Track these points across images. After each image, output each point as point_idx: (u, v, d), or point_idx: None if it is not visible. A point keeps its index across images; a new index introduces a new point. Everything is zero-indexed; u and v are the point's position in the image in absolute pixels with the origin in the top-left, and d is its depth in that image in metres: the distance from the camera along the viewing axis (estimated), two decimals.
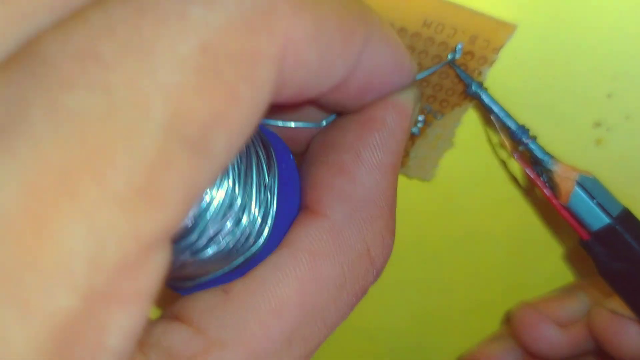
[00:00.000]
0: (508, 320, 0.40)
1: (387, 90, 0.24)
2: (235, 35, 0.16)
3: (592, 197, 0.29)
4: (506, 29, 0.28)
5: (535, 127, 0.29)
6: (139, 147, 0.14)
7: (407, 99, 0.24)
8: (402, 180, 0.34)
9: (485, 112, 0.29)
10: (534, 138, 0.29)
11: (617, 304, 0.33)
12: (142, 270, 0.15)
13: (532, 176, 0.29)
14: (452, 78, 0.29)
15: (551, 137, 0.31)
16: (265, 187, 0.23)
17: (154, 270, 0.15)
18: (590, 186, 0.29)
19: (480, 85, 0.29)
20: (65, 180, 0.13)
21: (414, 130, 0.31)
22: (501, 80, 0.29)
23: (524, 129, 0.29)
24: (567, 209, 0.29)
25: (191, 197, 0.15)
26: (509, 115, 0.29)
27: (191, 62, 0.15)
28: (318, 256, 0.21)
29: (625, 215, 0.29)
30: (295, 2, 0.17)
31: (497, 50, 0.28)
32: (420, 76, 0.29)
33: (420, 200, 0.36)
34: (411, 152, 0.32)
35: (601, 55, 0.29)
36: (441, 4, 0.27)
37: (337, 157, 0.24)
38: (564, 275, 0.39)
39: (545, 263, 0.39)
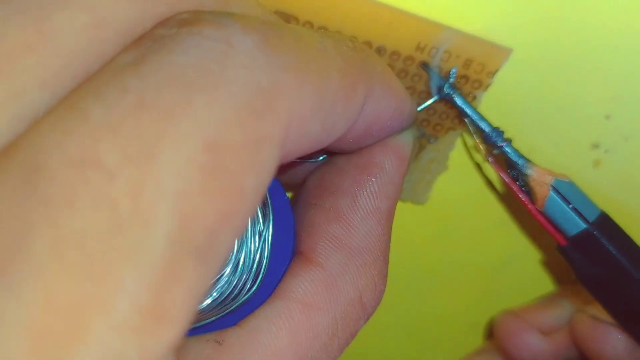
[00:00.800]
0: (491, 332, 0.40)
1: (387, 134, 0.24)
2: (240, 124, 0.15)
3: (567, 201, 0.28)
4: (501, 53, 0.28)
5: (533, 148, 0.29)
6: (145, 266, 0.13)
7: (406, 142, 0.25)
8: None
9: (459, 115, 0.29)
10: (509, 140, 0.29)
11: (598, 310, 0.33)
12: None
13: (507, 180, 0.29)
14: (445, 102, 0.29)
15: (550, 158, 0.30)
16: (259, 235, 0.23)
17: None
18: (566, 190, 0.28)
19: (453, 86, 0.28)
20: (72, 317, 0.13)
21: None
22: (499, 102, 0.30)
23: (498, 132, 0.29)
24: (543, 214, 0.28)
25: (197, 303, 0.15)
26: (482, 118, 0.29)
27: (196, 162, 0.14)
28: (312, 307, 0.21)
29: (603, 220, 0.29)
30: (301, 74, 0.17)
31: (492, 74, 0.28)
32: (420, 108, 0.29)
33: (414, 223, 0.36)
34: (405, 175, 0.32)
35: (599, 77, 0.29)
36: (435, 28, 0.27)
37: (333, 202, 0.24)
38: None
39: (538, 284, 0.39)
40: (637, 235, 0.29)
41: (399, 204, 0.33)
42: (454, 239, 0.38)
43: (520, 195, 0.29)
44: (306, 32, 0.19)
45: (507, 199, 0.35)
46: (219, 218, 0.15)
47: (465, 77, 0.29)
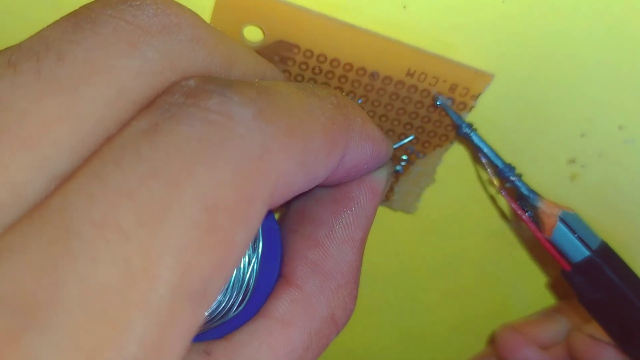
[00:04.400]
0: (492, 341, 0.41)
1: (365, 173, 0.25)
2: (234, 188, 0.16)
3: (573, 231, 0.29)
4: (484, 78, 0.29)
5: (514, 164, 0.30)
6: (150, 311, 0.15)
7: (381, 178, 0.26)
8: (387, 212, 0.35)
9: (474, 150, 0.30)
10: (519, 176, 0.29)
11: (595, 329, 0.34)
12: None
13: (518, 211, 0.30)
14: (433, 122, 0.30)
15: (530, 172, 0.31)
16: (249, 262, 0.24)
17: None
18: (572, 221, 0.29)
19: (470, 126, 0.29)
20: (94, 357, 0.14)
21: (398, 168, 0.32)
22: (483, 122, 0.30)
23: (510, 167, 0.29)
24: (550, 242, 0.29)
25: (192, 336, 0.16)
26: (496, 155, 0.29)
27: (196, 222, 0.15)
28: (290, 325, 0.22)
29: (604, 248, 0.30)
30: (286, 138, 0.18)
31: (475, 97, 0.29)
32: (396, 146, 0.30)
33: (404, 230, 0.37)
34: (395, 187, 0.33)
35: (574, 100, 0.30)
36: (424, 55, 0.28)
37: (312, 230, 0.25)
38: (547, 300, 0.40)
39: (528, 289, 0.40)
40: (610, 240, 0.31)
41: (390, 213, 0.34)
42: (441, 245, 0.39)
43: (530, 225, 0.29)
44: (296, 93, 0.20)
45: (491, 212, 0.35)
46: (213, 268, 0.16)
47: (451, 100, 0.29)
